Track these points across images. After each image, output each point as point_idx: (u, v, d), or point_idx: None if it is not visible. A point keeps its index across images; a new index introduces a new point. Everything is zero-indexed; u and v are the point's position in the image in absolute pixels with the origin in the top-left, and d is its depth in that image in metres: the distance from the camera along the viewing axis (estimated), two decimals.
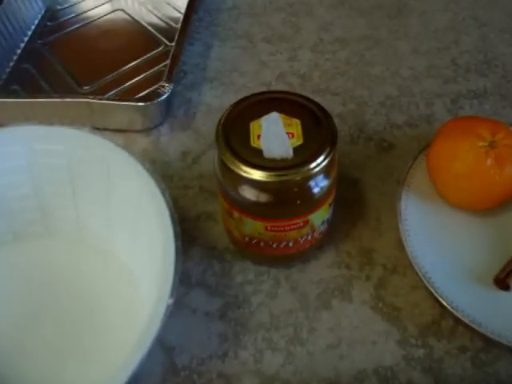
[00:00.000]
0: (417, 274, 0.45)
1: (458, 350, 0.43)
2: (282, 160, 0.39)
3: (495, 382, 0.42)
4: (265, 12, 0.71)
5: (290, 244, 0.44)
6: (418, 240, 0.47)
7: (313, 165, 0.39)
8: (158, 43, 0.68)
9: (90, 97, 0.55)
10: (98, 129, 0.56)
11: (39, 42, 0.69)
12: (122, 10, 0.73)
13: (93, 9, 0.74)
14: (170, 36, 0.68)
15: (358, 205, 0.52)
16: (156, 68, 0.64)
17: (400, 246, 0.47)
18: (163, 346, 0.43)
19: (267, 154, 0.39)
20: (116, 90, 0.62)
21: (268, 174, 0.39)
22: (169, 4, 0.73)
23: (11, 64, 0.66)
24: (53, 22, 0.72)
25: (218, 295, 0.46)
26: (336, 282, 0.47)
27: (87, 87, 0.63)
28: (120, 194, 0.42)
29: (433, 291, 0.44)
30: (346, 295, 0.46)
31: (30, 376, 0.42)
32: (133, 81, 0.63)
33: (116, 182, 0.42)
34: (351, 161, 0.55)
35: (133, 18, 0.71)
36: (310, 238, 0.45)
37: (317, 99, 0.43)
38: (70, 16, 0.73)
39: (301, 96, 0.44)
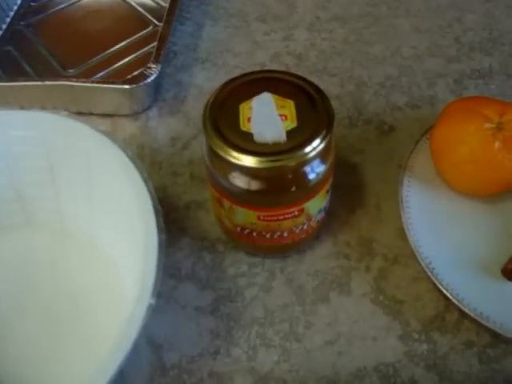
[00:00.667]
0: (419, 264, 0.42)
1: (464, 346, 0.41)
2: (275, 144, 0.37)
3: (503, 380, 0.39)
4: None
5: (285, 234, 0.42)
6: (421, 228, 0.44)
7: (308, 149, 0.36)
8: (146, 23, 0.65)
9: (73, 80, 0.52)
10: (83, 113, 0.54)
11: (22, 23, 0.66)
12: None
13: None
14: (159, 16, 0.64)
15: (356, 191, 0.49)
16: (144, 49, 0.62)
17: (402, 234, 0.45)
18: (151, 344, 0.41)
19: (258, 138, 0.37)
20: (103, 73, 0.59)
21: (259, 159, 0.36)
22: None
23: None
24: (36, 3, 0.68)
25: (209, 288, 0.44)
26: (334, 274, 0.44)
27: (72, 70, 0.60)
28: (101, 182, 0.40)
29: (436, 283, 0.41)
30: (345, 287, 0.44)
31: (11, 371, 0.39)
32: (120, 63, 0.61)
33: (97, 171, 0.40)
34: (349, 145, 0.52)
35: None
36: (305, 227, 0.42)
37: (313, 80, 0.40)
38: None
39: (295, 76, 0.41)
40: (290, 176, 0.38)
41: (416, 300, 0.43)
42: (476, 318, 0.40)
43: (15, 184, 0.43)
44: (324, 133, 0.37)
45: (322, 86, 0.40)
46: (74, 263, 0.44)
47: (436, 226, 0.45)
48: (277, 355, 0.41)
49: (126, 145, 0.39)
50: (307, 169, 0.38)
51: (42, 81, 0.51)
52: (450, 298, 0.41)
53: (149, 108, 0.55)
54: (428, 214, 0.45)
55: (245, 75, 0.41)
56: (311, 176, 0.38)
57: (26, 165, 0.42)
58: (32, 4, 0.68)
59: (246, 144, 0.36)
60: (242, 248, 0.45)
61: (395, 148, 0.51)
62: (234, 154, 0.36)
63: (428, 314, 0.42)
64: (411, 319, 0.42)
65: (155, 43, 0.59)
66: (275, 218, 0.40)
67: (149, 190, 0.36)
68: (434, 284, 0.42)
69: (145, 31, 0.64)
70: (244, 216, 0.40)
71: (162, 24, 0.60)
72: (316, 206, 0.41)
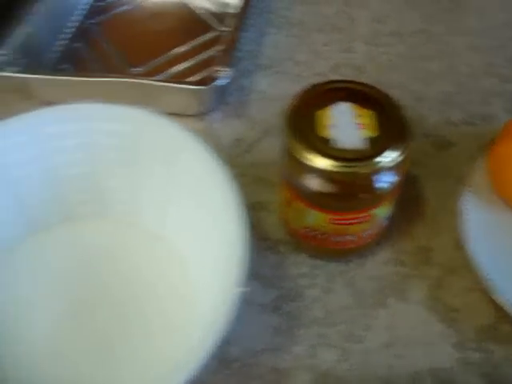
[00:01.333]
0: (476, 275, 0.44)
1: None
2: (353, 151, 0.38)
3: None
4: (318, 1, 0.70)
5: (350, 238, 0.43)
6: (478, 241, 0.45)
7: (384, 158, 0.38)
8: (206, 28, 0.66)
9: (145, 78, 0.54)
10: None
11: (90, 21, 0.68)
12: None
13: None
14: (220, 21, 0.66)
15: (415, 202, 0.50)
16: (205, 53, 0.63)
17: (458, 246, 0.46)
18: None
19: (337, 143, 0.39)
20: (165, 74, 0.61)
21: (337, 164, 0.38)
22: None
23: (63, 43, 0.65)
24: (103, 2, 0.70)
25: (272, 287, 0.45)
26: (392, 280, 0.46)
27: (136, 69, 0.62)
28: (183, 180, 0.41)
29: (492, 294, 0.43)
30: (402, 294, 0.45)
31: (80, 361, 0.41)
32: (181, 65, 0.62)
33: (179, 167, 0.41)
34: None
35: (182, 1, 0.70)
36: (370, 233, 0.44)
37: None
38: None
39: (371, 87, 0.43)
40: (364, 182, 0.39)
41: (471, 309, 0.44)
42: None
43: (95, 174, 0.45)
44: (401, 144, 0.38)
45: None
46: (142, 255, 0.46)
47: (493, 239, 0.46)
48: (336, 354, 0.42)
49: None
50: (381, 177, 0.39)
51: (117, 77, 0.53)
52: (505, 309, 0.42)
53: (213, 110, 0.57)
54: (485, 227, 0.47)
55: (323, 83, 0.43)
56: (384, 184, 0.40)
57: (109, 157, 0.44)
58: (99, 4, 0.70)
59: (324, 148, 0.38)
60: (305, 250, 0.47)
61: (453, 162, 0.53)
62: (311, 156, 0.38)
63: (482, 324, 0.44)
64: (466, 328, 0.43)
65: (216, 47, 0.61)
66: (345, 221, 0.42)
67: (234, 189, 0.37)
68: (489, 295, 0.43)
69: (206, 35, 0.65)
70: (315, 218, 0.42)
71: (223, 29, 0.62)
72: (383, 213, 0.43)
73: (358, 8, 0.69)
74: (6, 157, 0.42)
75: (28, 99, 0.60)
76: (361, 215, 0.41)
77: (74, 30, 0.67)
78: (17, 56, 0.58)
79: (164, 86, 0.53)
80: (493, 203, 0.48)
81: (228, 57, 0.55)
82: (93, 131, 0.43)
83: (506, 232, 0.47)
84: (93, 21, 0.68)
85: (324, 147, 0.38)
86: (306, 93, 0.42)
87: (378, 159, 0.38)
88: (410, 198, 0.50)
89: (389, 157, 0.38)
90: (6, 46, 0.57)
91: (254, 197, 0.51)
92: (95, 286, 0.44)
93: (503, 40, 0.66)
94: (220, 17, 0.67)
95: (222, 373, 0.42)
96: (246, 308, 0.43)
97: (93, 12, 0.69)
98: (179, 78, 0.61)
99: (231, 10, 0.66)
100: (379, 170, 0.38)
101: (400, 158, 0.38)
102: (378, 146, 0.38)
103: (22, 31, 0.59)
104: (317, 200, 0.41)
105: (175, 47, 0.64)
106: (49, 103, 0.47)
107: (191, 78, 0.60)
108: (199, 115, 0.56)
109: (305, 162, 0.38)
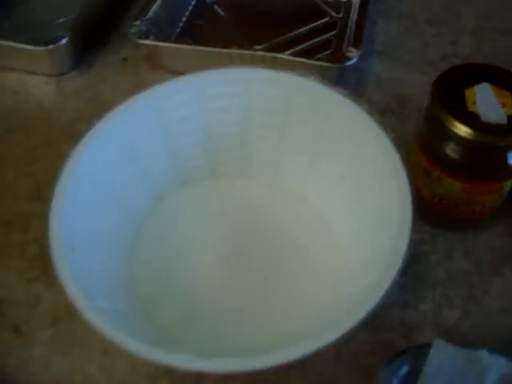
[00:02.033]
0: None
1: None
2: (496, 125, 0.42)
3: None
4: None
5: (477, 208, 0.47)
6: None
7: None
8: (323, 14, 0.70)
9: (277, 52, 0.58)
10: None
11: (211, 0, 0.72)
12: None
13: None
14: (334, 8, 0.71)
15: None
16: (323, 37, 0.67)
17: None
18: None
19: (483, 118, 0.42)
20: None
21: (481, 134, 0.42)
22: None
23: (184, 19, 0.69)
24: None
25: None
26: (508, 251, 0.49)
27: (258, 47, 0.65)
28: (334, 141, 0.45)
29: None
30: None
31: (246, 299, 0.45)
32: (300, 47, 0.66)
33: (333, 133, 0.45)
34: None
35: None
36: (493, 205, 0.48)
37: None
38: None
39: (506, 71, 0.46)
40: (500, 155, 0.43)
41: None
42: None
43: (244, 135, 0.49)
44: None
45: None
46: (288, 216, 0.49)
47: None
48: (458, 314, 0.46)
49: None
50: None
51: (254, 50, 0.57)
52: None
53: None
54: None
55: (466, 65, 0.47)
56: None
57: (260, 119, 0.47)
58: None
59: (471, 120, 0.42)
60: (428, 218, 0.51)
61: None
62: (459, 125, 0.42)
63: None
64: None
65: (332, 32, 0.65)
66: (477, 191, 0.45)
67: (398, 155, 0.41)
68: None
69: (323, 20, 0.69)
70: (449, 186, 0.46)
71: (339, 15, 0.66)
72: (508, 186, 0.47)
73: (462, 4, 0.72)
74: (169, 112, 0.46)
75: (156, 69, 0.64)
76: (493, 186, 0.45)
77: (195, 7, 0.71)
78: (150, 28, 0.62)
79: (296, 61, 0.57)
80: None
81: (358, 38, 0.59)
82: (249, 94, 0.46)
83: None
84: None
85: (471, 119, 0.42)
86: (452, 71, 0.46)
87: None
88: None
89: None
90: (143, 18, 0.62)
91: None
92: (246, 233, 0.49)
93: None
94: (334, 5, 0.71)
95: None
96: None
97: None
98: None
99: None
100: None
101: None
102: None
103: (157, 6, 0.64)
104: (455, 168, 0.44)
105: (293, 30, 0.68)
106: (174, 73, 0.51)
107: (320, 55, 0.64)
108: None
109: (452, 129, 0.42)
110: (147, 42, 0.60)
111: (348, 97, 0.45)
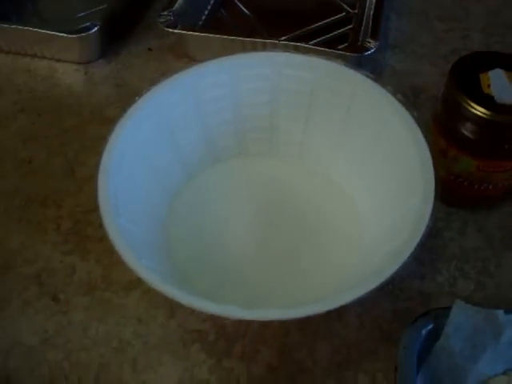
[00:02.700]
0: None
1: None
2: (510, 106, 0.45)
3: None
4: None
5: (490, 187, 0.50)
6: None
7: None
8: (339, 9, 0.74)
9: (299, 42, 0.61)
10: None
11: None
12: None
13: None
14: (350, 5, 0.74)
15: None
16: (339, 31, 0.70)
17: None
18: None
19: (497, 99, 0.45)
20: None
21: (496, 114, 0.45)
22: None
23: (206, 12, 0.73)
24: None
25: None
26: None
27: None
28: (359, 124, 0.48)
29: None
30: None
31: (268, 265, 0.48)
32: (317, 39, 0.69)
33: (358, 113, 0.48)
34: None
35: None
36: (506, 184, 0.51)
37: None
38: None
39: None
40: None
41: None
42: None
43: (272, 116, 0.52)
44: None
45: None
46: (312, 193, 0.52)
47: None
48: (473, 285, 0.49)
49: None
50: None
51: (277, 39, 0.60)
52: None
53: None
54: None
55: (480, 52, 0.50)
56: None
57: (288, 100, 0.50)
58: None
59: (484, 101, 0.45)
60: (444, 197, 0.53)
61: None
62: (475, 105, 0.45)
63: None
64: None
65: (349, 26, 0.68)
66: (492, 169, 0.48)
67: (418, 128, 0.44)
68: None
69: (339, 16, 0.73)
70: (464, 165, 0.49)
71: (355, 11, 0.70)
72: None
73: (472, 1, 0.76)
74: (203, 93, 0.49)
75: (181, 58, 0.67)
76: (506, 164, 0.48)
77: (217, 1, 0.74)
78: (176, 19, 0.65)
79: (318, 49, 0.60)
80: None
81: (375, 30, 0.62)
82: (278, 77, 0.49)
83: None
84: None
85: (486, 101, 0.45)
86: (468, 57, 0.49)
87: None
88: None
89: None
90: (171, 9, 0.65)
91: None
92: (274, 207, 0.52)
93: None
94: (349, 2, 0.74)
95: (376, 293, 0.48)
96: None
97: None
98: None
99: None
100: None
101: None
102: None
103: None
104: (471, 147, 0.48)
105: (311, 24, 0.71)
106: (198, 62, 0.54)
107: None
108: None
109: (469, 110, 0.45)
110: (176, 31, 0.63)
111: (372, 79, 0.47)
